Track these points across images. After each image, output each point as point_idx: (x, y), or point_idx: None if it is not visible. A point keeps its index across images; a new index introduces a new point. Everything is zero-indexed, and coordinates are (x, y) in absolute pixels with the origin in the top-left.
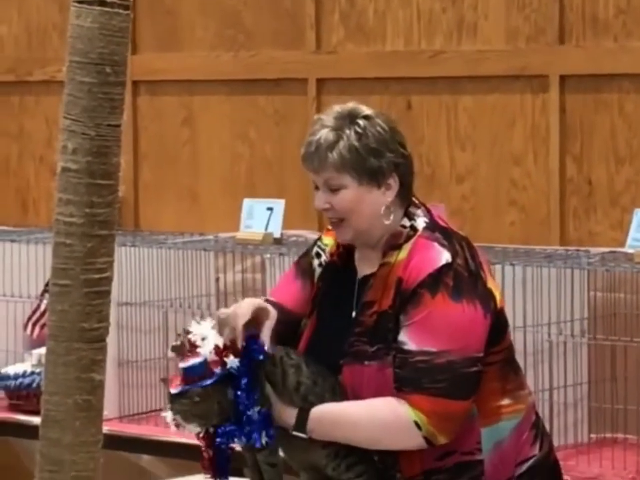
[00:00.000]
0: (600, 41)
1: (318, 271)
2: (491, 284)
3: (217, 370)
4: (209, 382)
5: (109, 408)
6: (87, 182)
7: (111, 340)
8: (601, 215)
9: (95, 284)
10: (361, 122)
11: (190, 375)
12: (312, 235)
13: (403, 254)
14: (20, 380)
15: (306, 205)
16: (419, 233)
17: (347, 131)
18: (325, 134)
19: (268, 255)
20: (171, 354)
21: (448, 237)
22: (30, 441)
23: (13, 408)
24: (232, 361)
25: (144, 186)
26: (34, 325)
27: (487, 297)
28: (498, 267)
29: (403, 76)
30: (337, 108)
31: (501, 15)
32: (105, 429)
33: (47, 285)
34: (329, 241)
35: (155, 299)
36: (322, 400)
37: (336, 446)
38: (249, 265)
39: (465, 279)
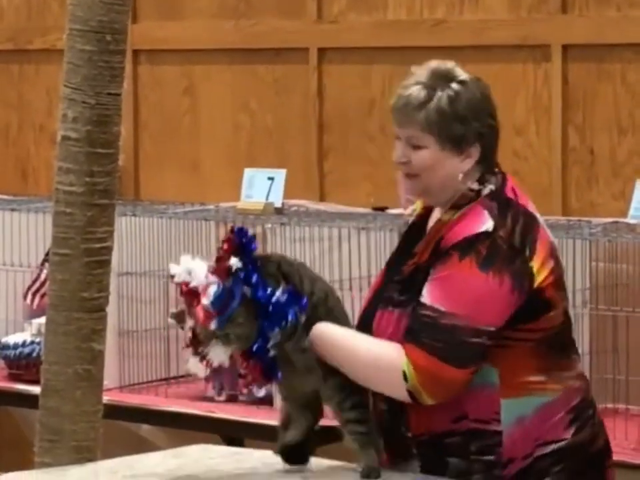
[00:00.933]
0: (603, 11)
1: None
2: (537, 263)
3: (228, 284)
4: (237, 300)
5: (109, 378)
6: (87, 151)
7: (111, 310)
8: (603, 186)
9: (95, 253)
10: (454, 86)
11: (219, 304)
12: (313, 205)
13: (456, 215)
14: (20, 349)
15: (307, 175)
16: (479, 199)
17: (439, 93)
18: (416, 91)
19: (269, 225)
20: (170, 321)
21: (505, 208)
22: (30, 411)
23: (13, 377)
24: (234, 262)
25: (144, 155)
26: (34, 294)
27: (521, 274)
28: None
29: (404, 45)
30: (434, 65)
31: None
32: (105, 398)
33: (47, 254)
34: (417, 203)
35: (155, 269)
36: (330, 314)
37: (348, 381)
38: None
39: (501, 251)
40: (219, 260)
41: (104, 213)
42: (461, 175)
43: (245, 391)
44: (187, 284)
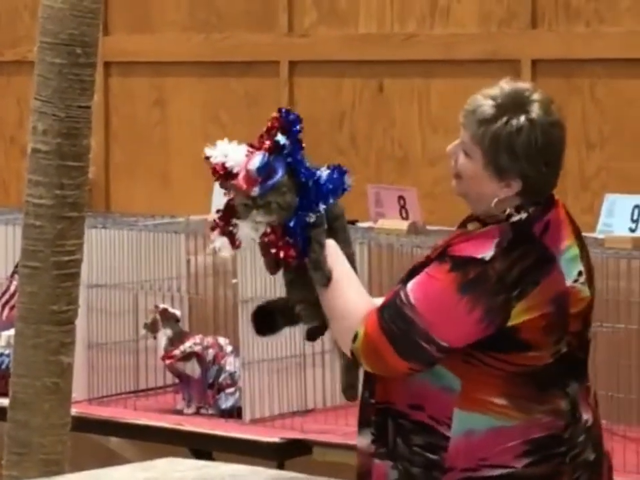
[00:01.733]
0: (572, 26)
1: None
2: (524, 305)
3: (273, 158)
4: (281, 172)
5: (78, 390)
6: (57, 163)
7: (81, 322)
8: (571, 200)
9: (65, 266)
10: (522, 119)
11: (264, 171)
12: None
13: (478, 230)
14: None
15: None
16: (502, 224)
17: (505, 118)
18: (488, 106)
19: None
20: (143, 331)
21: (519, 242)
22: None
23: None
24: (281, 138)
25: (115, 167)
26: (3, 306)
27: (497, 309)
28: None
29: (375, 59)
30: (522, 87)
31: None
32: (74, 411)
33: (16, 266)
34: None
35: (125, 281)
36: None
37: None
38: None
39: (488, 282)
40: (263, 137)
41: (73, 226)
42: (495, 200)
43: (212, 403)
44: (223, 164)
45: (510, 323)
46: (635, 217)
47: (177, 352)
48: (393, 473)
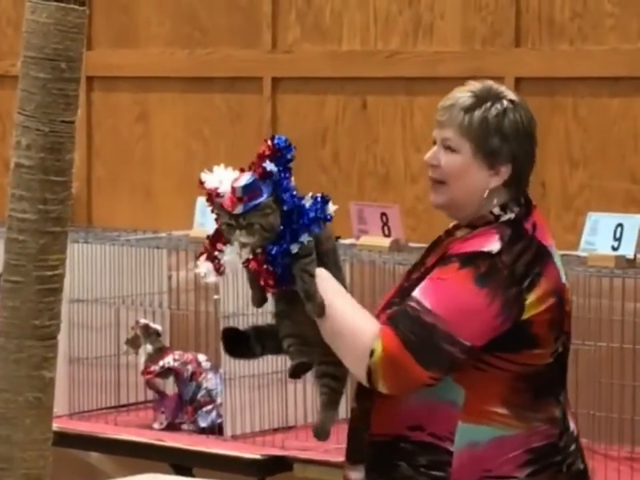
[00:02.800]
0: (555, 45)
1: None
2: (534, 297)
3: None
4: (266, 195)
5: (59, 405)
6: (40, 178)
7: (62, 337)
8: (554, 218)
9: (47, 281)
10: (505, 102)
11: (249, 191)
12: None
13: (470, 233)
14: None
15: None
16: (495, 224)
17: (488, 104)
18: (467, 96)
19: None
20: (125, 348)
21: (517, 237)
22: None
23: None
24: (269, 165)
25: (97, 182)
26: None
27: (512, 302)
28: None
29: (358, 76)
30: (489, 82)
31: (457, 17)
32: (54, 426)
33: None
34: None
35: (106, 296)
36: (334, 267)
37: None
38: None
39: (500, 274)
40: (254, 163)
41: (56, 241)
42: (487, 192)
43: (190, 420)
44: (216, 190)
45: (524, 317)
46: (618, 236)
47: (155, 367)
48: None
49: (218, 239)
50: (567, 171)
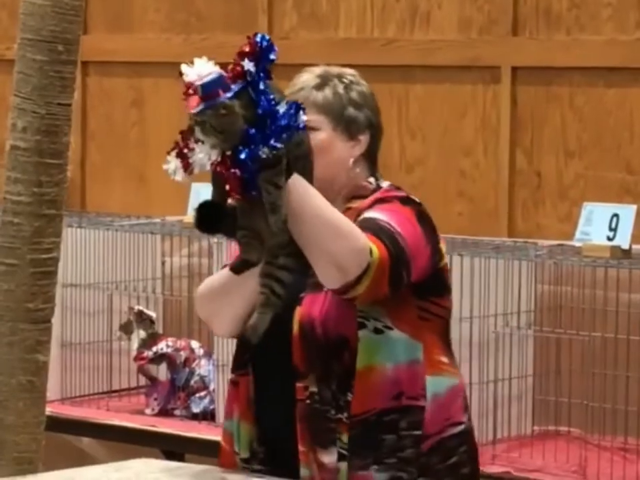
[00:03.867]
0: (552, 34)
1: None
2: (442, 247)
3: (234, 85)
4: (230, 94)
5: (51, 390)
6: (35, 161)
7: (55, 321)
8: (549, 208)
9: (42, 264)
10: (348, 77)
11: (209, 90)
12: None
13: (366, 200)
14: None
15: None
16: (384, 189)
17: (334, 81)
18: (312, 78)
19: (215, 240)
20: (118, 333)
21: (409, 197)
22: None
23: None
24: (247, 63)
25: (91, 167)
26: None
27: (436, 248)
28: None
29: (354, 63)
30: (324, 66)
31: (454, 5)
32: (47, 410)
33: None
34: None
35: (100, 281)
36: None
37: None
38: (195, 249)
39: (428, 219)
40: (235, 60)
41: (51, 224)
42: (351, 161)
43: (183, 406)
44: (191, 84)
45: (441, 264)
46: (613, 226)
47: (148, 354)
48: (380, 475)
49: (189, 136)
50: (562, 161)
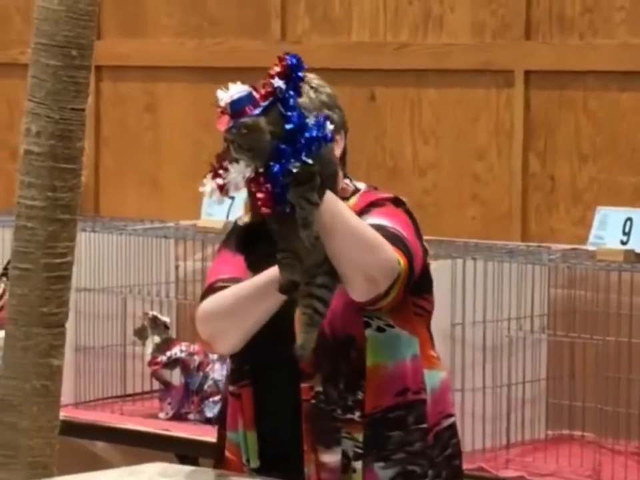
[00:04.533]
0: (565, 38)
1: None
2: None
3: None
4: (257, 111)
5: (65, 394)
6: (49, 165)
7: (69, 326)
8: (562, 212)
9: (56, 268)
10: (314, 81)
11: (237, 108)
12: None
13: (352, 201)
14: None
15: None
16: (362, 190)
17: (304, 87)
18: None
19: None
20: (132, 337)
21: (397, 197)
22: None
23: None
24: (277, 81)
25: (105, 171)
26: None
27: (423, 245)
28: (459, 261)
29: (367, 67)
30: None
31: (467, 9)
32: (60, 414)
33: (5, 268)
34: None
35: (113, 285)
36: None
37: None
38: (209, 253)
39: (414, 219)
40: (264, 83)
41: (65, 228)
42: (337, 160)
43: (197, 410)
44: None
45: (427, 261)
46: (627, 230)
47: (162, 358)
48: (386, 472)
49: (224, 157)
50: (576, 165)
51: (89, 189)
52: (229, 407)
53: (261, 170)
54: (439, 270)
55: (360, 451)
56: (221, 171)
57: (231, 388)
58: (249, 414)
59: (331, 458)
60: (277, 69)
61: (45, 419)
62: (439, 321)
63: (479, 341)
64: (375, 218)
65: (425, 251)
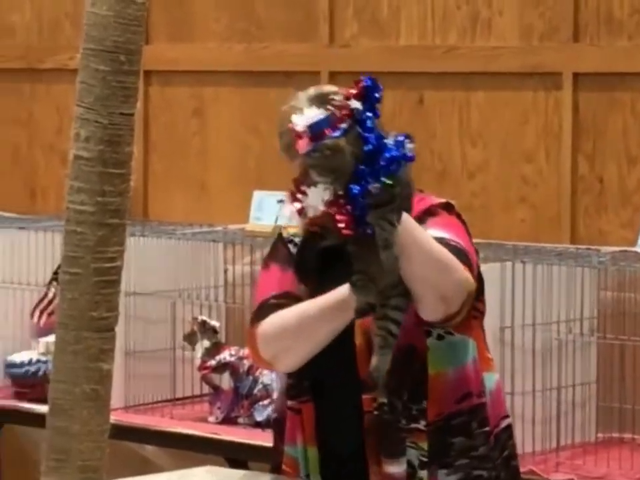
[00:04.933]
0: (614, 40)
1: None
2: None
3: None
4: (337, 132)
5: (114, 397)
6: (99, 170)
7: (119, 330)
8: (611, 214)
9: (105, 273)
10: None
11: (316, 131)
12: None
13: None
14: (26, 368)
15: None
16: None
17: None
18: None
19: None
20: (183, 343)
21: (448, 202)
22: (33, 429)
23: (18, 396)
24: (354, 102)
25: (153, 176)
26: (41, 312)
27: (475, 249)
28: (508, 264)
29: (415, 71)
30: (303, 94)
31: (515, 12)
32: (111, 418)
33: (55, 272)
34: (295, 230)
35: (163, 290)
36: None
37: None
38: (257, 257)
39: (465, 222)
40: (341, 105)
41: (115, 233)
42: None
43: (247, 414)
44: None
45: (479, 263)
46: None
47: (211, 363)
48: (449, 479)
49: (302, 181)
50: (624, 167)
51: (138, 193)
52: (287, 422)
53: (340, 192)
54: (488, 273)
55: (425, 459)
56: (299, 195)
57: (289, 403)
58: (309, 430)
59: (397, 469)
60: (354, 90)
61: (95, 423)
62: (489, 324)
63: (528, 344)
64: (434, 230)
65: (477, 253)
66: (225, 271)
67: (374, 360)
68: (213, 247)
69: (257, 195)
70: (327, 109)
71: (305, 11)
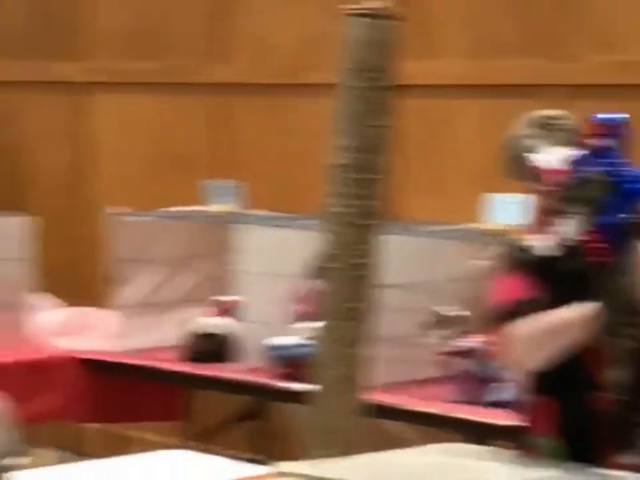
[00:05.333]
0: None
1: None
2: None
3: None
4: (592, 167)
5: (368, 379)
6: (355, 177)
7: (372, 318)
8: None
9: (360, 268)
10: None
11: (574, 165)
12: None
13: None
14: (290, 350)
15: None
16: None
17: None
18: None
19: None
20: (426, 330)
21: None
22: (297, 406)
23: (284, 376)
24: (602, 140)
25: (402, 181)
26: (299, 301)
27: None
28: None
29: None
30: (530, 120)
31: None
32: (367, 398)
33: (317, 268)
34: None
35: (410, 282)
36: None
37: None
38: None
39: None
40: (588, 142)
41: (368, 232)
42: None
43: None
44: (550, 167)
45: None
46: None
47: (453, 348)
48: None
49: (552, 213)
50: None
51: (389, 196)
52: (533, 414)
53: (590, 223)
54: None
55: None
56: (549, 226)
57: (535, 396)
58: (556, 424)
59: (633, 460)
60: (598, 129)
61: (352, 403)
62: None
63: None
64: None
65: None
66: (465, 267)
67: (614, 374)
68: (453, 244)
69: (489, 196)
70: (574, 146)
71: (536, 26)
